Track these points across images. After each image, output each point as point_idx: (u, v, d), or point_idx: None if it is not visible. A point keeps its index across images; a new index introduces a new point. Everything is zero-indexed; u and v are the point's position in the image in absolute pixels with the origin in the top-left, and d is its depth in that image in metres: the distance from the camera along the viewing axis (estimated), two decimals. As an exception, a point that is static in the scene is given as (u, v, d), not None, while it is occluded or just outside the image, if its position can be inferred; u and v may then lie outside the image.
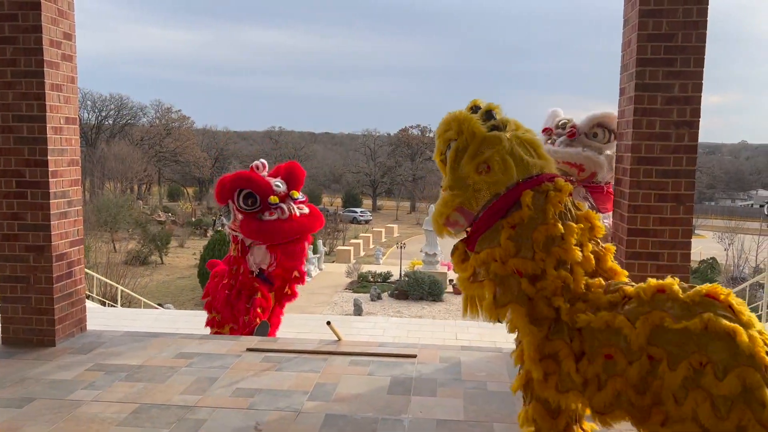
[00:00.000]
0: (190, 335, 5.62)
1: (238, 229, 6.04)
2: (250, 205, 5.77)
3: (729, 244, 37.11)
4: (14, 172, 5.06)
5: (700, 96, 4.44)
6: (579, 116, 5.33)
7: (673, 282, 2.92)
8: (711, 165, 71.47)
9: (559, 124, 5.33)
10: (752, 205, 65.55)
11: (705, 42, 4.41)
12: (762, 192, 65.71)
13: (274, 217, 5.79)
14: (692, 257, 4.68)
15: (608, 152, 5.15)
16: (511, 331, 3.26)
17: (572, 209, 3.28)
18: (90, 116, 63.20)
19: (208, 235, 40.47)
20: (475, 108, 3.44)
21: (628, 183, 4.54)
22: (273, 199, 5.78)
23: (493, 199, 3.25)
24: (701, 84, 4.43)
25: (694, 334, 2.69)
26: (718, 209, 61.32)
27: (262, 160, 6.20)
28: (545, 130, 5.38)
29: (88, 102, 62.09)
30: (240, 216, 5.87)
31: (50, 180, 5.04)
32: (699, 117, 4.46)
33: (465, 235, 3.42)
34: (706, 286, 2.86)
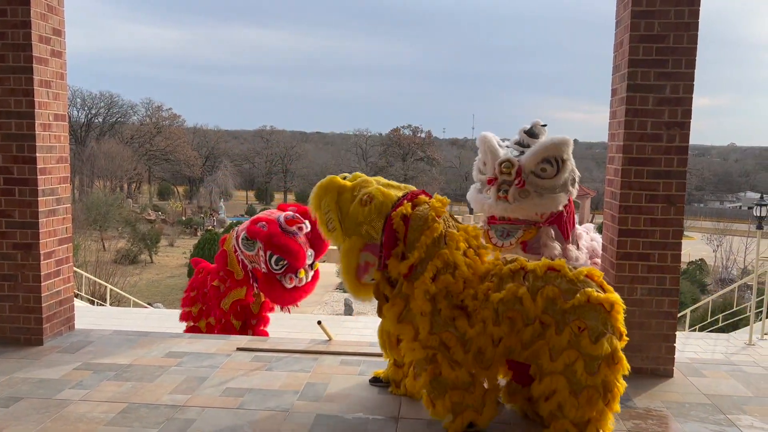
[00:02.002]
0: (180, 334, 5.58)
1: (256, 273, 6.18)
2: (280, 267, 5.99)
3: (717, 246, 37.42)
4: (2, 168, 5.00)
5: (691, 97, 4.46)
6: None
7: (562, 262, 3.53)
8: (700, 167, 71.90)
9: (503, 169, 4.84)
10: (740, 207, 66.02)
11: (696, 43, 4.43)
12: (750, 194, 66.07)
13: (293, 285, 6.07)
14: (682, 258, 4.69)
15: (563, 179, 4.85)
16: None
17: (451, 220, 3.73)
18: (80, 114, 62.75)
19: (198, 234, 40.28)
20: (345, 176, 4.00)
21: (620, 183, 4.54)
22: (301, 273, 6.03)
23: (386, 220, 3.66)
24: (692, 85, 4.45)
25: (577, 306, 3.31)
26: (707, 211, 61.71)
27: (307, 223, 6.08)
28: (490, 182, 4.91)
29: (78, 99, 61.68)
30: (263, 268, 6.02)
31: (38, 177, 4.99)
32: (690, 118, 4.47)
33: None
34: (585, 269, 3.51)
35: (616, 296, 3.37)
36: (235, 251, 6.28)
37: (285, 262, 5.97)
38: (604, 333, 3.27)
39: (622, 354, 3.33)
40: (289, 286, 6.01)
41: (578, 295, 3.32)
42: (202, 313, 6.52)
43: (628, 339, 3.42)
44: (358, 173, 4.02)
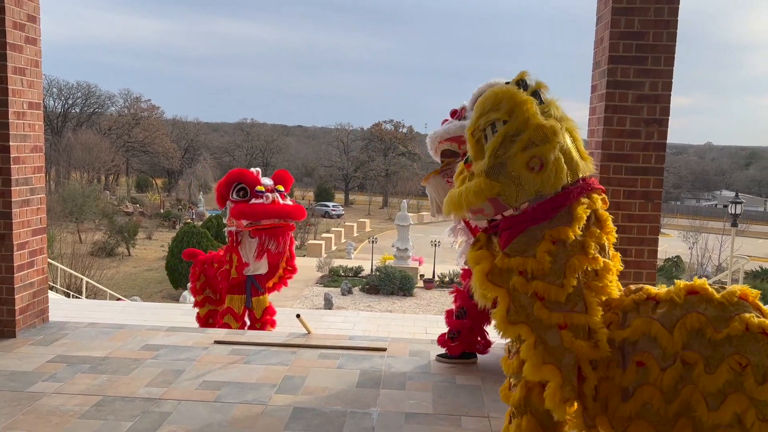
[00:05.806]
0: (157, 327, 5.52)
1: (231, 219, 6.52)
2: (242, 196, 6.40)
3: (693, 243, 37.95)
4: (-26, 157, 4.89)
5: (670, 94, 4.51)
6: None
7: (704, 282, 2.75)
8: (677, 165, 72.87)
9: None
10: (716, 205, 67.03)
11: (675, 41, 4.47)
12: (726, 192, 67.17)
13: (260, 201, 6.39)
14: (658, 255, 4.74)
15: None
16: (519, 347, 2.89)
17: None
18: (56, 104, 61.66)
19: (176, 227, 39.89)
20: (521, 82, 2.93)
21: (598, 179, 4.57)
22: (259, 187, 6.40)
23: (537, 200, 2.83)
24: (671, 83, 4.49)
25: (734, 337, 2.56)
26: (684, 209, 62.59)
27: (258, 169, 6.76)
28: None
29: (55, 89, 60.54)
30: (232, 205, 6.43)
31: (12, 166, 4.89)
32: (668, 115, 4.52)
33: (485, 225, 3.03)
34: (738, 287, 2.72)
35: None
36: (230, 239, 6.58)
37: (246, 191, 6.31)
38: None
39: None
40: (256, 202, 6.34)
41: (735, 322, 2.56)
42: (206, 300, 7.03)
43: None
44: (547, 99, 2.91)
